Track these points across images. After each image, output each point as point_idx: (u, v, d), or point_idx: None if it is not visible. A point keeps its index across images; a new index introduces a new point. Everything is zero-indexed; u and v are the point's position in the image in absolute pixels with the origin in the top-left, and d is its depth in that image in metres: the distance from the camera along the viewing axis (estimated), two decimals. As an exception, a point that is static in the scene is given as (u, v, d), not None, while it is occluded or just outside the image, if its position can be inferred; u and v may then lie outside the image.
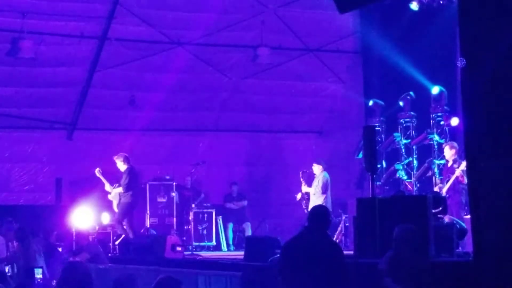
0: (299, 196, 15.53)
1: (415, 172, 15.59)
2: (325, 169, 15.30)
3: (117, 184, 15.01)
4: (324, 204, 14.79)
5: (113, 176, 16.92)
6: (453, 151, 13.31)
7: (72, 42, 16.68)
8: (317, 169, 15.29)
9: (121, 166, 15.00)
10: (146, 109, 18.25)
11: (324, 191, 15.08)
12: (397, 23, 16.11)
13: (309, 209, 14.98)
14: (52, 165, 17.85)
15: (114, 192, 14.98)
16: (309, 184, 15.26)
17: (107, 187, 15.09)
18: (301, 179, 15.41)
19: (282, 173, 18.60)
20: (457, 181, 12.81)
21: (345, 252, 13.96)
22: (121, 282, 7.22)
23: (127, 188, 14.79)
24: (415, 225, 8.37)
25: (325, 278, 7.46)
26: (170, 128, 18.87)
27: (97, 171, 15.19)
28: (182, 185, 17.97)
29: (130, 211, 15.01)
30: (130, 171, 14.96)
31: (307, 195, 15.32)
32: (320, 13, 16.88)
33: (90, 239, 13.85)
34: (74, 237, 14.32)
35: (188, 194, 17.54)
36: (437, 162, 14.91)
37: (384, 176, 16.14)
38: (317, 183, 15.14)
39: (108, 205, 15.99)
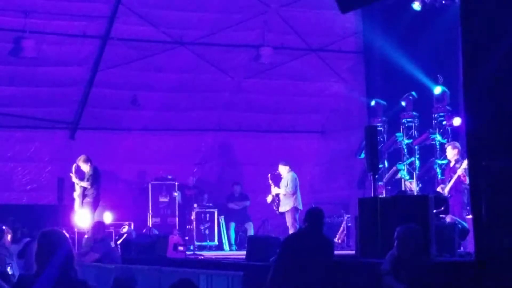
0: (269, 198, 15.63)
1: (417, 172, 15.58)
2: (291, 169, 15.42)
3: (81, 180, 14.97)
4: (294, 203, 14.98)
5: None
6: (456, 151, 13.29)
7: (74, 42, 16.69)
8: (283, 169, 15.48)
9: (85, 167, 14.98)
10: (148, 108, 18.28)
11: (294, 191, 15.20)
12: (399, 23, 16.10)
13: (280, 209, 15.24)
14: (54, 164, 17.86)
15: (80, 191, 14.87)
16: (278, 186, 15.47)
17: (74, 179, 14.98)
18: (270, 181, 15.55)
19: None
20: (459, 181, 12.80)
21: (347, 252, 14.08)
22: (121, 282, 7.23)
23: (92, 184, 14.77)
24: (417, 225, 8.37)
25: (319, 271, 8.40)
26: (172, 128, 18.88)
27: (74, 167, 15.16)
28: (184, 185, 18.00)
29: (95, 209, 15.00)
30: (95, 170, 14.98)
31: (277, 196, 15.45)
32: (322, 13, 16.87)
33: (104, 235, 13.44)
34: (90, 232, 13.96)
35: (190, 193, 17.55)
36: (439, 162, 14.91)
37: (386, 176, 16.13)
38: (286, 183, 15.32)
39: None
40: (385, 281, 8.05)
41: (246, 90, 18.76)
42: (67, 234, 5.64)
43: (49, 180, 17.80)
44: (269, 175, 15.69)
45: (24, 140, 17.76)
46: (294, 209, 15.06)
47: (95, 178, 14.91)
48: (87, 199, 14.82)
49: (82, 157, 15.12)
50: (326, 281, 8.54)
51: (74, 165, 15.15)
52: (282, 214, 15.38)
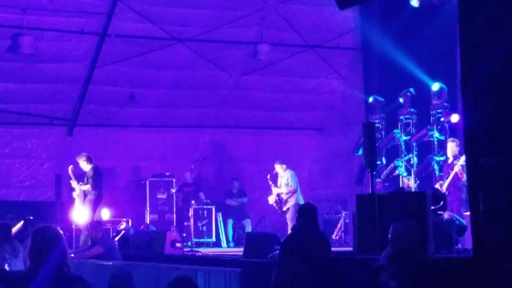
0: (271, 199, 15.59)
1: (415, 168, 15.58)
2: (288, 167, 15.43)
3: (81, 183, 14.91)
4: (296, 199, 15.05)
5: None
6: (454, 147, 13.30)
7: (72, 38, 16.67)
8: (279, 168, 15.48)
9: (85, 166, 14.91)
10: (146, 105, 18.27)
11: (296, 187, 15.32)
12: (397, 20, 16.08)
13: (285, 208, 15.25)
14: (52, 161, 17.86)
15: (80, 190, 14.84)
16: (277, 186, 15.51)
17: (74, 184, 14.96)
18: (270, 182, 15.55)
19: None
20: (457, 177, 12.80)
21: (344, 249, 14.09)
22: (117, 278, 7.20)
23: (95, 187, 14.72)
24: (414, 221, 8.36)
25: (316, 267, 8.59)
26: (170, 125, 18.88)
27: (70, 169, 15.13)
28: (182, 182, 17.99)
29: (96, 208, 14.97)
30: (96, 170, 14.89)
31: (278, 196, 15.44)
32: (320, 9, 16.87)
33: (102, 233, 13.43)
34: (88, 230, 13.90)
35: (188, 190, 17.55)
36: (437, 158, 14.90)
37: (384, 172, 16.13)
38: (287, 181, 15.29)
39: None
40: (381, 278, 8.04)
41: (244, 87, 18.75)
42: (61, 231, 5.61)
43: (47, 177, 17.80)
44: (269, 176, 15.70)
45: (21, 137, 17.76)
46: (297, 205, 15.05)
47: (96, 179, 14.80)
48: (89, 197, 14.77)
49: (83, 156, 14.99)
50: (324, 278, 8.55)
51: (71, 167, 15.03)
52: (284, 212, 15.40)
